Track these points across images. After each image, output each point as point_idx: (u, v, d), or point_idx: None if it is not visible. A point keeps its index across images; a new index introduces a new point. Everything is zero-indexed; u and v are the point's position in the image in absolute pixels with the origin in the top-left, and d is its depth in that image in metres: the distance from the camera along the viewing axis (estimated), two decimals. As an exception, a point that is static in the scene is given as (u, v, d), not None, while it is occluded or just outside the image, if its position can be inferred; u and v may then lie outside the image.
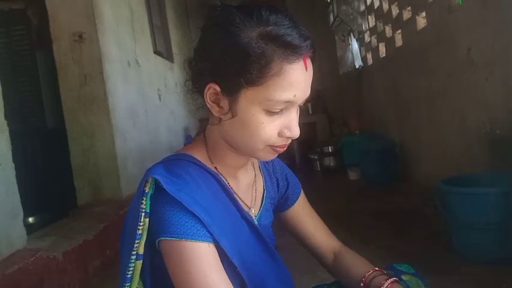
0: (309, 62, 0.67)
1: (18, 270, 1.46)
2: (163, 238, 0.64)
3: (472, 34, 2.14)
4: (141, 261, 0.67)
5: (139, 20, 3.39)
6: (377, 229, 2.34)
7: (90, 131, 2.51)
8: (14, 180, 1.64)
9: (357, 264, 0.86)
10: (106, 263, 2.03)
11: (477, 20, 2.07)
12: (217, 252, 0.66)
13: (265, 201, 0.85)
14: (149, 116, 3.32)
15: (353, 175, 3.89)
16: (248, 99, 0.65)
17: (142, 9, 3.58)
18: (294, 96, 0.66)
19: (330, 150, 4.66)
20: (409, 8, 3.04)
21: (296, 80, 0.65)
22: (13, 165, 1.64)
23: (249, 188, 0.82)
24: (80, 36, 2.48)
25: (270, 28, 0.64)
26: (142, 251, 0.67)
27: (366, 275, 0.80)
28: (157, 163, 0.72)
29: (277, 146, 0.70)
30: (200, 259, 0.63)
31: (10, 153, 1.64)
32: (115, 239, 2.15)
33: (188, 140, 0.83)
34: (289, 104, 0.67)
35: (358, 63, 4.78)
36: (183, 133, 4.33)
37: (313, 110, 5.57)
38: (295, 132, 0.69)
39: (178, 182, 0.66)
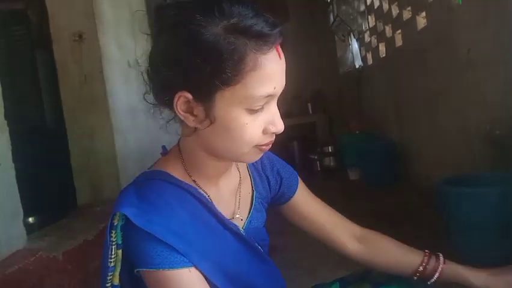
0: (280, 49, 0.63)
1: (18, 270, 1.46)
2: (140, 269, 0.63)
3: (472, 34, 2.14)
4: None
5: (139, 20, 3.39)
6: (377, 229, 2.33)
7: (90, 131, 2.51)
8: (14, 180, 1.63)
9: (400, 249, 0.87)
10: (106, 263, 2.02)
11: (477, 20, 2.07)
12: (200, 274, 0.64)
13: (255, 202, 0.82)
14: (149, 116, 3.31)
15: (353, 175, 3.89)
16: (226, 101, 0.60)
17: (142, 9, 3.58)
18: (274, 88, 0.62)
19: (330, 150, 4.66)
20: (409, 8, 3.04)
21: (273, 71, 0.61)
22: (13, 165, 1.64)
23: (233, 193, 0.79)
24: (80, 36, 2.48)
25: (234, 20, 0.58)
26: (117, 281, 0.66)
27: (425, 260, 0.83)
28: (130, 186, 0.69)
29: (263, 145, 0.66)
30: (183, 286, 0.62)
31: (10, 153, 1.64)
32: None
33: (164, 152, 0.79)
34: (269, 98, 0.62)
35: (358, 63, 4.78)
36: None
37: (313, 110, 5.57)
38: (280, 126, 0.65)
39: (150, 211, 0.63)
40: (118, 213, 0.64)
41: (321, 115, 5.55)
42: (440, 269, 0.80)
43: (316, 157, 4.77)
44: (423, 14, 2.80)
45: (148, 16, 4.02)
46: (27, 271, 1.51)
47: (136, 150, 2.86)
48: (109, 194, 2.52)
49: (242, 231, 0.76)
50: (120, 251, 0.65)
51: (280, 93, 0.65)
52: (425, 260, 0.82)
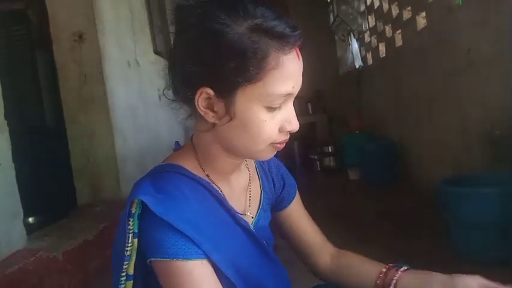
0: (299, 52, 0.66)
1: (18, 270, 1.46)
2: (154, 259, 0.63)
3: (472, 34, 2.14)
4: (131, 282, 0.67)
5: (139, 20, 3.39)
6: (377, 229, 2.34)
7: (90, 131, 2.51)
8: (14, 180, 1.64)
9: (364, 263, 0.85)
10: (106, 263, 2.03)
11: (477, 20, 2.07)
12: (211, 268, 0.64)
13: (262, 202, 0.83)
14: (149, 116, 3.31)
15: (353, 175, 3.90)
16: (247, 98, 0.62)
17: (142, 9, 3.58)
18: (293, 87, 0.64)
19: (330, 150, 4.66)
20: (409, 8, 3.04)
21: (293, 70, 0.64)
22: (13, 165, 1.64)
23: (243, 191, 0.80)
24: (80, 36, 2.48)
25: (258, 21, 0.61)
26: (132, 271, 0.66)
27: (383, 270, 0.79)
28: (145, 177, 0.70)
29: (278, 143, 0.68)
30: (194, 278, 0.62)
31: (10, 153, 1.64)
32: (115, 239, 2.15)
33: (177, 147, 0.80)
34: (288, 96, 0.65)
35: (358, 63, 4.78)
36: (184, 133, 4.33)
37: (313, 110, 5.57)
38: (296, 125, 0.68)
39: (166, 200, 0.64)
40: (136, 201, 0.64)
41: (321, 115, 5.55)
42: (398, 274, 0.77)
43: (316, 157, 4.77)
44: (423, 14, 2.81)
45: (148, 16, 4.00)
46: (27, 271, 1.51)
47: (135, 150, 2.86)
48: (109, 194, 2.52)
49: (252, 228, 0.77)
50: (136, 240, 0.65)
51: (297, 93, 0.67)
52: (384, 270, 0.80)
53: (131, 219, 0.64)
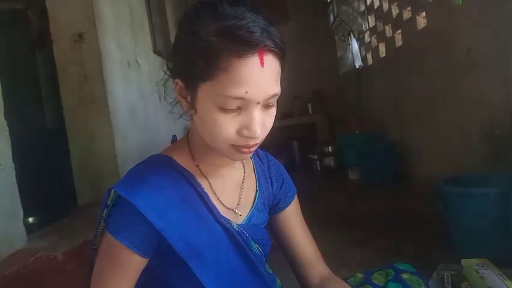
0: (268, 58, 0.63)
1: (18, 270, 1.46)
2: (105, 232, 0.71)
3: (472, 34, 2.14)
4: None
5: (139, 20, 3.39)
6: (377, 229, 2.34)
7: (90, 131, 2.51)
8: (14, 180, 1.63)
9: None
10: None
11: (477, 20, 2.07)
12: (139, 266, 0.71)
13: (257, 202, 0.83)
14: (149, 116, 3.31)
15: (353, 175, 3.89)
16: (204, 94, 0.66)
17: (142, 9, 3.58)
18: (246, 93, 0.62)
19: (330, 150, 4.65)
20: (409, 8, 3.04)
21: (247, 76, 0.61)
22: (13, 165, 1.64)
23: (236, 187, 0.81)
24: (80, 36, 2.47)
25: (227, 23, 0.62)
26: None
27: None
28: (135, 165, 0.77)
29: (240, 146, 0.67)
30: (116, 257, 0.69)
31: (10, 153, 1.63)
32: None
33: (174, 140, 0.85)
34: (243, 101, 0.63)
35: (358, 63, 4.78)
36: (184, 132, 4.34)
37: (313, 110, 5.56)
38: (254, 132, 0.65)
39: (139, 186, 0.69)
40: (112, 193, 0.71)
41: (321, 115, 5.54)
42: None
43: (316, 157, 4.76)
44: (423, 14, 2.80)
45: (148, 16, 3.99)
46: (27, 271, 1.51)
47: (135, 150, 2.86)
48: (109, 194, 2.51)
49: (236, 226, 0.76)
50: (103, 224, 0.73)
51: (259, 100, 0.64)
52: None
53: (105, 210, 0.71)
